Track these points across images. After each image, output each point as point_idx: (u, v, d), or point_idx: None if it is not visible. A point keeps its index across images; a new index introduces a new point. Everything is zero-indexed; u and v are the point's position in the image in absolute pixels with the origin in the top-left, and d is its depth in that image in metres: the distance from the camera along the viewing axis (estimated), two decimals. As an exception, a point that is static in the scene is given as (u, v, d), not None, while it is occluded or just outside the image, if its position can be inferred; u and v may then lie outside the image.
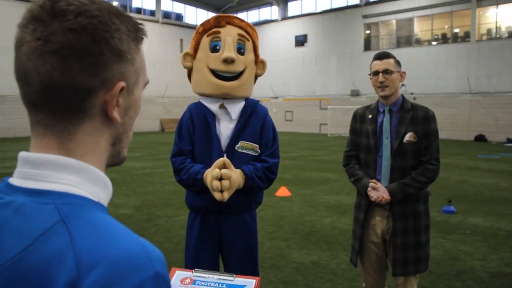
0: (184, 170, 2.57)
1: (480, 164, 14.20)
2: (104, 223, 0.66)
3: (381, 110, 2.98)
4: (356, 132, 3.10)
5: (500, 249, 5.53)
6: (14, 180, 0.72)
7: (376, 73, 2.92)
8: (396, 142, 2.87)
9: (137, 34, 0.76)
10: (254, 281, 1.83)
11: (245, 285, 1.82)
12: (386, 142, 2.92)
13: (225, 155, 2.49)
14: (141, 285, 0.60)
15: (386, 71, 2.88)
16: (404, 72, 2.98)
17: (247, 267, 2.63)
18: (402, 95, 3.00)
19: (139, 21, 0.79)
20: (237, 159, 2.54)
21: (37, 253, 0.62)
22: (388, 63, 2.90)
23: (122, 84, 0.73)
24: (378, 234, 2.97)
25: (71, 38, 0.67)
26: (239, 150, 2.58)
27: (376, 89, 2.95)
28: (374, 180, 2.88)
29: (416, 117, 2.88)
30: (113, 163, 0.81)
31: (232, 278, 1.84)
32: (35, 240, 0.63)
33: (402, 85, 3.07)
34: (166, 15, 36.18)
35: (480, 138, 25.22)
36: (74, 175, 0.71)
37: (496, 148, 21.00)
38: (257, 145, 2.62)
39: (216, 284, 1.80)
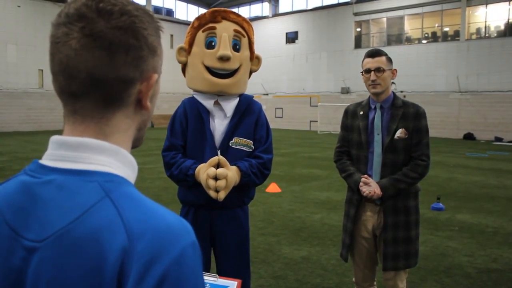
0: (175, 165, 2.56)
1: (468, 162, 14.35)
2: (142, 198, 0.74)
3: (373, 106, 3.00)
4: (348, 128, 3.11)
5: (487, 245, 5.60)
6: (47, 162, 0.77)
7: (368, 71, 2.92)
8: (387, 138, 2.90)
9: (159, 31, 0.84)
10: (236, 283, 1.84)
11: (228, 286, 1.83)
12: (377, 138, 2.94)
13: (219, 151, 2.49)
14: (183, 251, 0.68)
15: (378, 69, 2.89)
16: (395, 70, 2.99)
17: (239, 262, 2.64)
18: (393, 92, 3.02)
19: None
20: (232, 155, 2.54)
21: (87, 224, 0.68)
22: (380, 61, 2.91)
23: (156, 76, 0.81)
24: (369, 230, 2.99)
25: (118, 35, 0.74)
26: (233, 146, 2.58)
27: (367, 86, 2.97)
28: (366, 176, 2.91)
29: (407, 114, 2.90)
30: (134, 146, 0.87)
31: (215, 279, 1.85)
32: (83, 213, 0.69)
33: (392, 83, 3.08)
34: (157, 10, 35.94)
35: (469, 137, 25.46)
36: (110, 157, 0.78)
37: (484, 146, 21.21)
38: (251, 141, 2.62)
39: None
